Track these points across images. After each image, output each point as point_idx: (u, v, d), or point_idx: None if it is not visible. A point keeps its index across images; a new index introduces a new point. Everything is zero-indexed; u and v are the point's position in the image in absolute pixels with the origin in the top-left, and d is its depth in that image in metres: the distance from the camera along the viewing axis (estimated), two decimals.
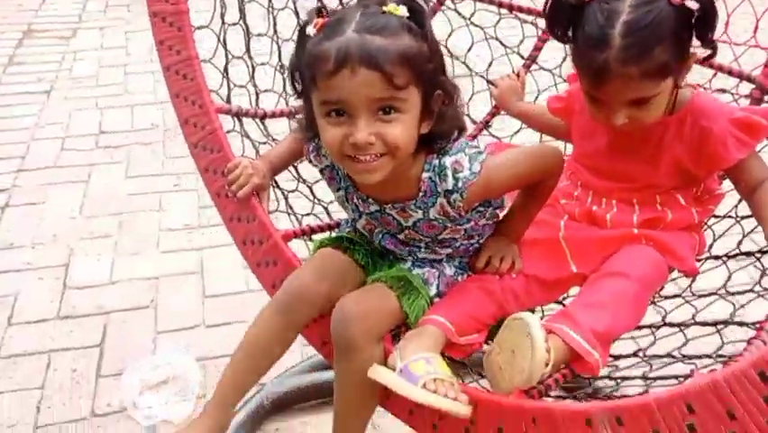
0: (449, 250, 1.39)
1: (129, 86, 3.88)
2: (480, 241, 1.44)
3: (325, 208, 1.70)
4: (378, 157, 1.14)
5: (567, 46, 1.87)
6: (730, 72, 1.65)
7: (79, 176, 3.08)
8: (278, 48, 1.70)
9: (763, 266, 1.39)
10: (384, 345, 1.27)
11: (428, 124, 1.20)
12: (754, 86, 1.62)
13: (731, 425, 0.87)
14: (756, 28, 1.61)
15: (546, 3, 1.35)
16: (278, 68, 1.71)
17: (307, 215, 1.63)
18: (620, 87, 1.27)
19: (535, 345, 1.11)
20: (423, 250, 1.38)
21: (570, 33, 1.34)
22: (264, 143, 1.64)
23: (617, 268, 1.33)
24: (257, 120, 1.65)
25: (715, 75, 1.66)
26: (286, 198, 1.61)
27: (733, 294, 1.40)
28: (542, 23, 1.95)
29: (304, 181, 1.69)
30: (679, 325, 1.40)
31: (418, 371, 1.17)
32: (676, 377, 1.25)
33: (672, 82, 1.31)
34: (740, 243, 1.50)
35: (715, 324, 1.34)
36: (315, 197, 1.69)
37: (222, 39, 1.57)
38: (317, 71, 1.10)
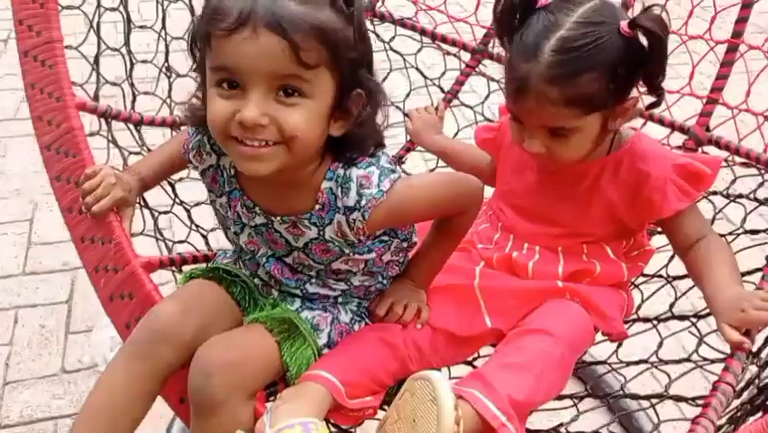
0: (344, 286, 1.17)
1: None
2: (384, 283, 1.22)
3: (204, 236, 1.43)
4: (269, 145, 0.93)
5: (490, 83, 1.78)
6: (661, 122, 1.52)
7: None
8: (166, 46, 1.45)
9: (699, 333, 1.22)
10: (255, 404, 1.02)
11: (341, 126, 1.00)
12: (687, 136, 1.48)
13: None
14: (692, 75, 1.51)
15: (497, 3, 1.16)
16: (163, 69, 1.46)
17: (180, 242, 1.36)
18: (536, 108, 1.11)
19: (442, 414, 0.90)
20: (313, 281, 1.14)
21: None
22: (137, 153, 1.36)
23: (540, 325, 1.14)
24: (130, 125, 1.37)
25: (644, 124, 1.54)
26: (155, 220, 1.33)
27: (667, 363, 1.22)
28: (465, 56, 1.82)
29: (181, 203, 1.41)
30: (604, 396, 1.20)
31: None
32: None
33: (601, 121, 1.15)
34: (672, 305, 1.33)
35: (648, 397, 1.15)
36: (192, 222, 1.42)
37: (95, 24, 1.31)
38: (213, 28, 0.90)
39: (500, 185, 1.42)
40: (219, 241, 1.37)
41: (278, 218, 1.07)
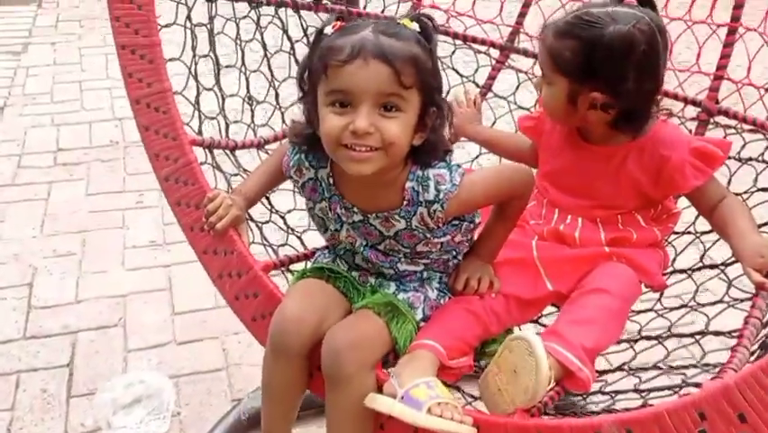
0: (427, 261, 1.36)
1: (85, 102, 3.75)
2: (458, 257, 1.42)
3: (299, 237, 1.66)
4: (372, 150, 1.15)
5: (519, 75, 1.99)
6: (675, 96, 1.70)
7: (38, 194, 2.95)
8: (246, 79, 1.68)
9: (728, 277, 1.42)
10: (376, 372, 1.23)
11: (421, 137, 1.21)
12: (700, 109, 1.68)
13: (742, 427, 0.90)
14: (699, 55, 1.72)
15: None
16: (246, 99, 1.69)
17: (282, 245, 1.60)
18: (541, 54, 1.44)
19: (540, 365, 1.11)
20: (403, 261, 1.35)
21: None
22: (236, 175, 1.58)
23: (597, 285, 1.33)
24: (227, 151, 1.60)
25: (660, 100, 1.75)
26: (260, 230, 1.57)
27: (704, 305, 1.43)
28: (495, 52, 2.03)
29: (276, 212, 1.65)
30: (656, 337, 1.43)
31: (420, 396, 1.14)
32: (670, 388, 1.25)
33: (567, 90, 1.39)
34: (702, 256, 1.53)
35: (692, 335, 1.39)
36: (288, 227, 1.65)
37: (194, 71, 1.53)
38: (330, 60, 1.13)
39: (543, 166, 1.59)
40: (313, 241, 1.58)
41: (373, 215, 1.28)
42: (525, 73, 1.92)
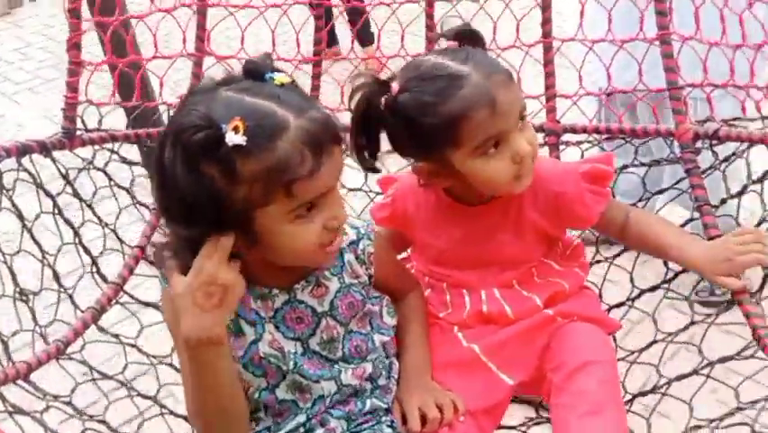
0: (370, 365, 1.11)
1: None
2: (391, 373, 1.17)
3: None
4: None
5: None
6: None
7: None
8: (9, 269, 1.13)
9: (680, 294, 1.31)
10: None
11: None
12: (545, 133, 1.55)
13: None
14: (519, 80, 1.59)
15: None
16: (16, 295, 1.14)
17: None
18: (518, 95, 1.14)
19: None
20: (344, 368, 1.08)
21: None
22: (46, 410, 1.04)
23: (579, 358, 1.14)
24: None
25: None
26: None
27: (673, 334, 1.26)
28: None
29: None
30: (653, 390, 1.24)
31: None
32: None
33: None
34: (632, 280, 1.39)
35: (696, 372, 1.19)
36: None
37: None
38: (296, 177, 0.89)
39: (423, 250, 1.35)
40: None
41: (303, 282, 1.05)
42: None
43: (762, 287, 1.14)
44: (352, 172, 1.37)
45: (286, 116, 0.90)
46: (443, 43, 1.20)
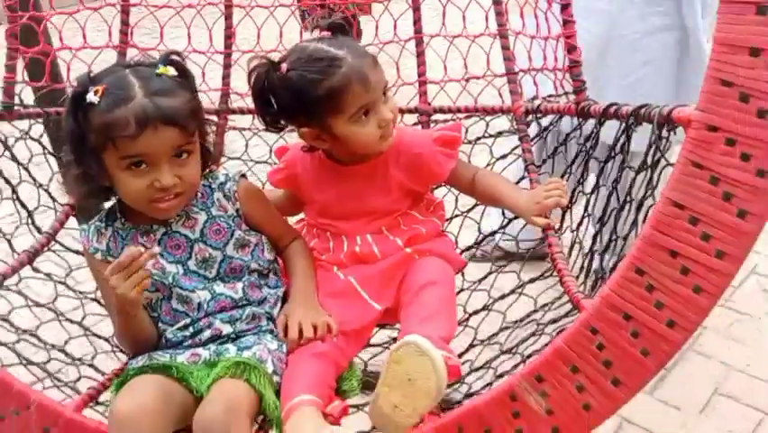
0: (242, 284, 1.35)
1: None
2: (273, 294, 1.41)
3: (91, 365, 1.39)
4: (177, 196, 1.25)
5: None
6: (401, 110, 1.86)
7: None
8: None
9: (511, 236, 1.60)
10: None
11: (205, 157, 1.34)
12: (418, 114, 1.84)
13: (629, 325, 0.96)
14: (398, 71, 1.90)
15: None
16: None
17: (78, 380, 1.32)
18: (382, 75, 1.40)
19: (435, 362, 1.09)
20: (218, 282, 1.34)
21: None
22: None
23: (422, 281, 1.38)
24: None
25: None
26: (47, 372, 1.28)
27: (505, 265, 1.54)
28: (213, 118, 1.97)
29: (53, 346, 1.36)
30: (484, 308, 1.52)
31: None
32: (534, 334, 1.30)
33: None
34: (478, 229, 1.69)
35: (513, 291, 1.50)
36: (73, 358, 1.37)
37: None
38: (117, 135, 1.17)
39: (311, 205, 1.59)
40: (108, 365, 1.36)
41: (175, 217, 1.32)
42: (250, 129, 1.91)
43: (561, 222, 1.44)
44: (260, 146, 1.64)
45: (134, 94, 1.18)
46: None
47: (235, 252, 1.36)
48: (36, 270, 1.49)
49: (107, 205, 1.37)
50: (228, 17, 1.94)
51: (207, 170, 1.37)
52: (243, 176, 1.42)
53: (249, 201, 1.40)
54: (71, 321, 1.47)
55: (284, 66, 1.37)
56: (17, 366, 1.26)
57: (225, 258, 1.35)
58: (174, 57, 1.28)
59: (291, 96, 1.37)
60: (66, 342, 1.42)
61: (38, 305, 1.44)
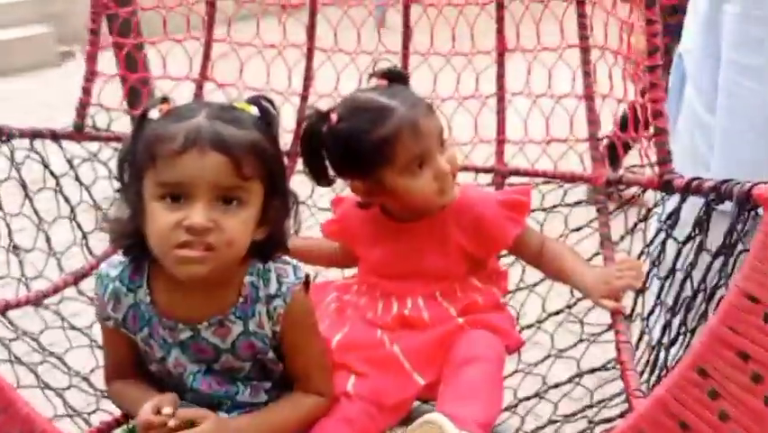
0: (269, 387, 1.19)
1: None
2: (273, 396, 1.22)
3: None
4: (211, 249, 1.00)
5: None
6: (465, 168, 1.80)
7: None
8: (8, 226, 1.39)
9: (577, 318, 1.46)
10: None
11: (263, 231, 1.09)
12: (493, 174, 1.76)
13: None
14: (476, 127, 1.82)
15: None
16: (9, 249, 1.39)
17: (94, 412, 1.29)
18: (437, 122, 1.32)
19: None
20: (244, 387, 1.16)
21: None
22: (15, 340, 1.27)
23: (467, 355, 1.26)
24: None
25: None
26: (62, 398, 1.25)
27: (564, 350, 1.43)
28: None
29: (77, 374, 1.34)
30: (536, 395, 1.37)
31: None
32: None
33: None
34: (543, 306, 1.56)
35: (570, 379, 1.35)
36: (95, 388, 1.34)
37: None
38: (159, 150, 1.00)
39: (365, 263, 1.51)
40: None
41: (205, 323, 1.11)
42: None
43: (633, 309, 1.28)
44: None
45: (196, 115, 1.03)
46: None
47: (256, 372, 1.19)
48: (81, 292, 1.47)
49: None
50: (309, 59, 1.93)
51: (270, 256, 1.13)
52: (307, 282, 1.17)
53: (290, 330, 1.16)
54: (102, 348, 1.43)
55: (333, 116, 1.32)
56: (34, 388, 1.22)
57: (257, 365, 1.19)
58: (263, 101, 1.11)
59: (340, 147, 1.31)
60: (92, 370, 1.38)
61: (73, 328, 1.42)
